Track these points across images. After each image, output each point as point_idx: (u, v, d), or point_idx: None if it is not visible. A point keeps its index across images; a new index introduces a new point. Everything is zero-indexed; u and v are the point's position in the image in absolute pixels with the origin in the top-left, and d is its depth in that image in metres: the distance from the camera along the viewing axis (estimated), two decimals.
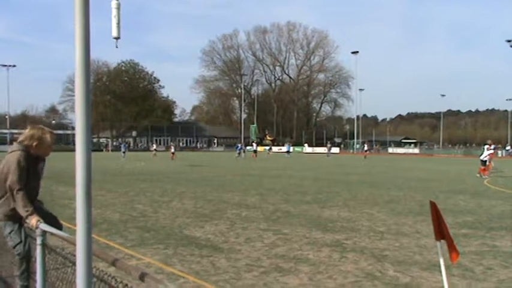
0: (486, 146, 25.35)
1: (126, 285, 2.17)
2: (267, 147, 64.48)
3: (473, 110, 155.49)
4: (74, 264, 1.78)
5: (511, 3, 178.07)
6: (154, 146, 58.09)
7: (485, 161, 22.27)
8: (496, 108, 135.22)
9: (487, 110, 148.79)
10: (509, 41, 76.74)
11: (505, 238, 7.50)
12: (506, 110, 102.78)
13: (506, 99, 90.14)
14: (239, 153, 50.24)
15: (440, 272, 4.00)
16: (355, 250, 6.60)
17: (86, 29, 1.63)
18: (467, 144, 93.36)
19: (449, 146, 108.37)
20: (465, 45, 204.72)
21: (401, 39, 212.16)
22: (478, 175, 21.98)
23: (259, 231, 7.92)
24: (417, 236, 7.50)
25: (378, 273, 5.42)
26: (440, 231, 3.04)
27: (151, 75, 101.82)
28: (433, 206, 3.07)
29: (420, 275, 5.36)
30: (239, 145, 53.96)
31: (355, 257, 6.21)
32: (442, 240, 3.15)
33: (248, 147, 59.15)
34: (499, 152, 69.06)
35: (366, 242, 7.17)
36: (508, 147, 72.11)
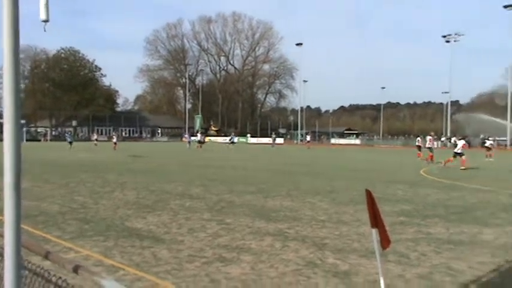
0: (429, 137, 27.14)
1: (60, 277, 2.10)
2: (228, 138, 62.97)
3: (411, 103, 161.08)
4: (2, 257, 1.71)
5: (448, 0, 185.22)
6: (96, 136, 56.51)
7: (461, 153, 22.68)
8: (433, 101, 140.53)
9: (424, 102, 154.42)
10: (444, 36, 79.95)
11: (438, 225, 7.84)
12: (441, 103, 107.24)
13: (442, 92, 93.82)
14: (190, 143, 50.41)
15: (371, 258, 4.16)
16: (297, 239, 6.70)
17: (14, 14, 1.55)
18: (406, 135, 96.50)
19: (389, 137, 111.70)
20: (404, 40, 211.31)
21: (345, 33, 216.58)
22: (439, 164, 23.26)
23: (203, 222, 7.90)
24: (356, 224, 7.71)
25: (318, 261, 5.54)
26: (375, 219, 3.13)
27: (92, 63, 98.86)
28: (369, 194, 3.14)
29: (358, 262, 5.51)
30: (186, 135, 53.90)
31: (297, 245, 6.31)
32: (377, 228, 3.24)
33: (193, 138, 58.68)
34: (435, 143, 72.04)
35: (308, 230, 7.30)
36: (443, 138, 75.21)
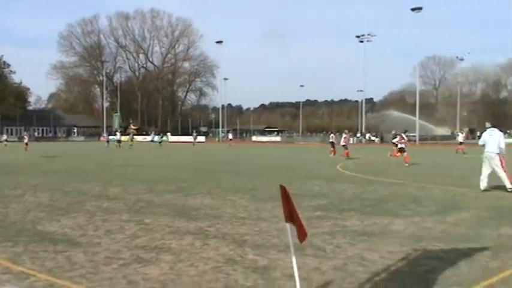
0: (344, 136, 28.31)
1: None
2: (152, 138, 61.67)
3: (329, 100, 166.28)
4: None
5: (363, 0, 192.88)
6: (5, 137, 53.35)
7: (402, 147, 23.40)
8: (349, 99, 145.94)
9: (340, 100, 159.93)
10: (358, 36, 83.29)
11: (353, 218, 8.16)
12: (357, 101, 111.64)
13: (357, 91, 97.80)
14: (108, 142, 49.22)
15: (294, 252, 4.29)
16: (217, 236, 6.72)
17: None
18: (324, 132, 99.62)
19: (308, 134, 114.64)
20: (322, 39, 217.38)
21: (265, 31, 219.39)
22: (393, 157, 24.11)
23: (121, 223, 7.71)
24: (276, 220, 7.85)
25: (238, 258, 5.58)
26: (290, 214, 3.21)
27: None
28: (283, 190, 3.23)
29: (277, 257, 5.62)
30: (105, 134, 52.59)
31: (217, 243, 6.33)
32: (291, 223, 3.33)
33: (111, 137, 57.00)
34: (351, 139, 74.87)
35: (228, 228, 7.34)
36: (358, 135, 78.27)
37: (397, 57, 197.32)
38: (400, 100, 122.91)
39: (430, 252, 5.86)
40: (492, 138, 12.07)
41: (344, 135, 29.16)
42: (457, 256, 5.68)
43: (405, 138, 24.26)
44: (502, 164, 11.87)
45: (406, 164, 21.41)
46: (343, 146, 27.86)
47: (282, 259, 5.47)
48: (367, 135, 78.52)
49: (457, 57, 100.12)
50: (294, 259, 3.36)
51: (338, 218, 8.20)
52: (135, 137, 66.88)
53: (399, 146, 23.16)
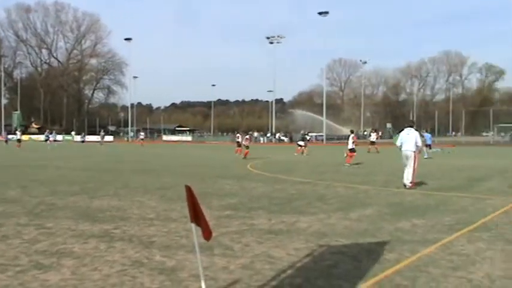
0: (246, 136, 28.61)
1: None
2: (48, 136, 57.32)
3: (240, 100, 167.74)
4: None
5: (273, 2, 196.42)
6: None
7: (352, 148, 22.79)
8: (260, 99, 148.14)
9: (252, 100, 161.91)
10: (268, 38, 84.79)
11: (261, 217, 8.28)
12: (267, 101, 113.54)
13: (267, 91, 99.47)
14: (7, 142, 46.42)
15: (203, 252, 4.27)
16: (124, 239, 6.53)
17: None
18: (235, 132, 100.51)
19: (220, 133, 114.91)
20: (234, 39, 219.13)
21: (175, 29, 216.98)
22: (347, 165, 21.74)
23: (19, 227, 7.25)
24: (185, 221, 7.77)
25: (145, 260, 5.47)
26: (195, 214, 3.20)
27: None
28: (188, 189, 3.20)
29: (185, 257, 5.57)
30: (3, 133, 49.58)
31: (123, 245, 6.15)
32: (197, 223, 3.31)
33: (10, 136, 53.56)
34: (261, 138, 76.11)
35: (135, 229, 7.16)
36: (268, 134, 79.64)
37: (306, 59, 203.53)
38: (308, 101, 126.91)
39: (334, 248, 6.09)
40: (409, 137, 12.89)
41: (246, 136, 29.60)
42: (358, 250, 5.95)
43: (308, 138, 25.06)
44: (415, 162, 12.71)
45: (347, 165, 21.12)
46: (245, 145, 27.87)
47: (190, 260, 5.42)
48: (277, 135, 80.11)
49: (360, 60, 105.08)
50: (199, 259, 3.35)
51: (247, 216, 8.29)
52: (31, 136, 63.30)
53: (350, 147, 22.63)
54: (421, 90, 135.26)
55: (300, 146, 32.49)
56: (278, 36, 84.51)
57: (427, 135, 30.59)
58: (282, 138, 78.35)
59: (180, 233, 6.88)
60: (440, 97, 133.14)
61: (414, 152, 12.76)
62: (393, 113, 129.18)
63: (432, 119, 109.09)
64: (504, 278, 4.81)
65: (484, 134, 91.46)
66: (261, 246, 6.13)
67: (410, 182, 12.61)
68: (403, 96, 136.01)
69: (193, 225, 3.23)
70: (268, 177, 15.78)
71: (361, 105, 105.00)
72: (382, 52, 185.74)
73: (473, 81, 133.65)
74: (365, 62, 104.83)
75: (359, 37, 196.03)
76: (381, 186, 13.07)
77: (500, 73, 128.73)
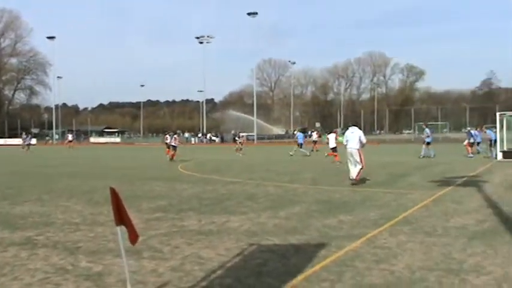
0: (174, 136, 27.38)
1: None
2: None
3: (170, 100, 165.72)
4: None
5: (202, 1, 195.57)
6: None
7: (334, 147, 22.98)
8: (190, 99, 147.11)
9: (182, 100, 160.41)
10: (198, 37, 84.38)
11: (192, 218, 8.23)
12: (198, 101, 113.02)
13: (198, 91, 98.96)
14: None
15: (131, 256, 4.18)
16: (47, 245, 6.28)
17: None
18: (165, 133, 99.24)
19: (150, 134, 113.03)
20: (163, 40, 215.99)
21: (101, 27, 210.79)
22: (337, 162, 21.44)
23: None
24: (112, 224, 7.48)
25: (70, 266, 5.28)
26: (120, 217, 3.13)
27: None
28: (113, 192, 3.14)
29: (113, 261, 5.43)
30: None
31: (47, 252, 5.91)
32: (122, 226, 3.25)
33: None
34: (193, 139, 75.62)
35: (60, 235, 6.89)
36: (199, 135, 79.22)
37: (237, 59, 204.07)
38: (239, 101, 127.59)
39: (264, 246, 6.16)
40: (353, 136, 13.44)
41: (175, 136, 28.41)
42: (287, 248, 6.06)
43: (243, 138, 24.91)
44: (361, 158, 13.25)
45: (338, 163, 20.79)
46: (172, 146, 26.35)
47: (118, 264, 5.30)
48: (208, 135, 79.89)
49: (289, 61, 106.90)
50: (125, 263, 3.28)
51: (176, 218, 8.21)
52: None
53: (332, 146, 22.86)
54: (348, 90, 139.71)
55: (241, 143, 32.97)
56: (208, 36, 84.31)
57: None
58: (213, 138, 78.20)
59: (107, 237, 6.70)
60: (366, 96, 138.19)
61: (358, 149, 13.30)
62: (322, 113, 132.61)
63: (358, 118, 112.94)
64: (423, 268, 5.06)
65: (406, 132, 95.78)
66: (190, 248, 6.09)
67: (356, 176, 13.15)
68: (331, 95, 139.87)
69: (118, 228, 3.16)
70: (199, 178, 15.71)
71: (290, 105, 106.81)
72: (310, 53, 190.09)
73: (396, 81, 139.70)
74: (294, 63, 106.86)
75: (288, 38, 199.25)
76: (310, 185, 13.36)
77: (420, 73, 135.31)
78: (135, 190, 12.44)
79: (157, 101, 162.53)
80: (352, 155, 13.31)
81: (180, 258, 5.60)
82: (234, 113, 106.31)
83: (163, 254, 5.81)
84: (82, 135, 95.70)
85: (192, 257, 5.65)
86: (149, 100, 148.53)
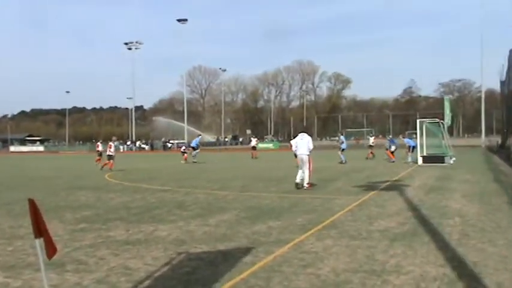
0: (110, 143, 26.31)
1: None
2: None
3: (98, 107, 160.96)
4: None
5: (132, 8, 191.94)
6: None
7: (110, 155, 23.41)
8: (119, 106, 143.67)
9: (110, 107, 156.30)
10: (126, 43, 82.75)
11: (119, 228, 8.04)
12: (127, 108, 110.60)
13: (127, 98, 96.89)
14: None
15: (53, 269, 4.01)
16: None
17: None
18: (93, 141, 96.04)
19: (76, 142, 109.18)
20: (89, 44, 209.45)
21: (22, 30, 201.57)
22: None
23: None
24: (32, 237, 7.23)
25: None
26: (39, 229, 3.01)
27: None
28: (31, 204, 3.01)
29: (33, 276, 5.19)
30: None
31: None
32: (41, 238, 3.12)
33: None
34: (121, 147, 73.85)
35: None
36: (128, 142, 77.52)
37: (167, 66, 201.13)
38: (169, 108, 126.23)
39: (192, 254, 6.11)
40: (303, 142, 13.85)
41: (110, 143, 26.78)
42: (216, 255, 6.05)
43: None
44: (309, 165, 13.70)
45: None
46: (108, 155, 24.16)
47: (38, 279, 5.06)
48: (138, 143, 78.35)
49: (220, 68, 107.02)
50: (44, 277, 3.15)
51: (103, 228, 7.98)
52: None
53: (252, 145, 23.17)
54: (278, 97, 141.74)
55: (185, 153, 32.25)
56: (137, 42, 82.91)
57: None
58: (143, 146, 76.77)
59: (27, 251, 6.39)
60: (295, 104, 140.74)
61: (308, 155, 13.73)
62: (252, 120, 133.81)
63: (288, 125, 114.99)
64: (347, 271, 5.23)
65: (333, 138, 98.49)
66: (117, 259, 5.94)
67: (307, 183, 13.52)
68: (261, 103, 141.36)
69: (37, 241, 3.04)
70: (127, 187, 15.35)
71: (221, 112, 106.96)
72: (240, 60, 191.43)
73: (324, 89, 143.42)
74: (224, 70, 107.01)
75: (219, 45, 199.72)
76: (240, 191, 13.41)
77: (347, 82, 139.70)
78: (59, 200, 11.97)
79: (84, 108, 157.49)
80: (302, 161, 13.67)
81: (106, 269, 5.45)
82: (164, 119, 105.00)
83: (87, 266, 5.62)
84: (1, 143, 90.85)
85: (119, 268, 5.51)
86: (75, 107, 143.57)
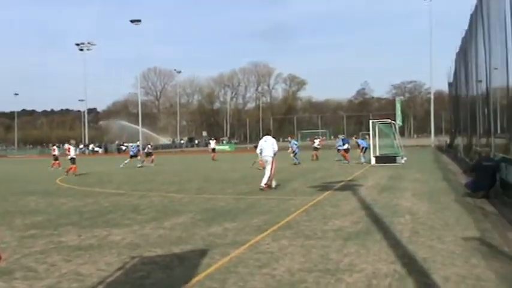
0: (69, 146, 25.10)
1: None
2: None
3: (48, 110, 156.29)
4: None
5: (84, 8, 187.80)
6: None
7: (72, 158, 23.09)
8: (71, 108, 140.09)
9: (62, 110, 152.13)
10: (78, 44, 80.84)
11: (71, 233, 7.84)
12: (79, 110, 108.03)
13: (79, 100, 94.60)
14: None
15: (0, 277, 3.90)
16: None
17: None
18: (44, 144, 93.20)
19: (26, 146, 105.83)
20: (38, 45, 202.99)
21: None
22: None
23: None
24: None
25: None
26: None
27: None
28: None
29: None
30: None
31: None
32: None
33: None
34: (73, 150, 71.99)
35: None
36: (81, 146, 75.66)
37: (120, 68, 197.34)
38: (124, 110, 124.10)
39: (147, 258, 6.04)
40: (267, 144, 14.13)
41: (70, 147, 25.42)
42: (171, 259, 5.99)
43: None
44: (272, 166, 13.89)
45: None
46: (70, 159, 23.23)
47: None
48: (91, 146, 76.65)
49: (175, 69, 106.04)
50: None
51: (54, 234, 7.76)
52: None
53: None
54: (234, 99, 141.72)
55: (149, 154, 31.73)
56: (89, 43, 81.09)
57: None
58: (96, 149, 75.17)
59: None
60: (251, 105, 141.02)
61: (272, 157, 13.94)
62: (208, 122, 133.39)
63: (244, 126, 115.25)
64: (302, 270, 5.29)
65: (288, 140, 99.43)
66: (69, 265, 5.79)
67: (265, 184, 13.68)
68: (217, 105, 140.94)
69: None
70: (79, 191, 14.99)
71: (177, 114, 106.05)
72: (196, 62, 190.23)
73: (279, 91, 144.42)
74: (180, 71, 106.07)
75: (173, 46, 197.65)
76: (196, 194, 13.34)
77: (302, 83, 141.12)
78: (8, 206, 11.59)
79: (34, 110, 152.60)
80: (267, 163, 13.95)
81: (57, 276, 5.30)
82: (119, 122, 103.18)
83: (38, 273, 5.46)
84: None
85: (70, 274, 5.38)
86: (24, 110, 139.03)
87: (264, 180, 13.73)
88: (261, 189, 13.53)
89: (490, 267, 5.24)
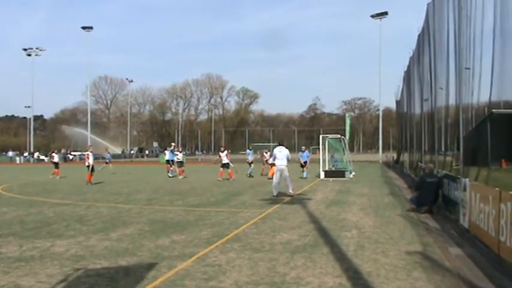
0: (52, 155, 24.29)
1: None
2: None
3: None
4: None
5: (30, 12, 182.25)
6: None
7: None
8: (16, 115, 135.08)
9: (6, 116, 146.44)
10: (25, 49, 78.37)
11: (11, 243, 7.56)
12: (25, 117, 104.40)
13: (25, 107, 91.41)
14: None
15: None
16: None
17: None
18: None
19: None
20: None
21: None
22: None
23: None
24: None
25: None
26: None
27: None
28: None
29: None
30: None
31: None
32: None
33: None
34: (18, 158, 69.52)
35: None
36: (26, 154, 73.12)
37: (70, 75, 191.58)
38: (72, 118, 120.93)
39: (91, 271, 5.89)
40: (281, 155, 15.30)
41: (53, 155, 25.13)
42: (116, 271, 5.88)
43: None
44: (287, 173, 15.16)
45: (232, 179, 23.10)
46: (55, 163, 23.56)
47: None
48: (36, 154, 74.09)
49: (126, 79, 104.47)
50: None
51: None
52: None
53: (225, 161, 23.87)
54: (186, 110, 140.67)
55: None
56: (37, 48, 78.66)
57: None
58: (42, 157, 72.72)
59: None
60: (203, 117, 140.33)
61: (286, 166, 15.16)
62: (159, 132, 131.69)
63: (196, 138, 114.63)
64: (249, 283, 5.31)
65: (242, 152, 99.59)
66: (7, 277, 5.58)
67: (292, 190, 15.18)
68: (169, 115, 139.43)
69: None
70: (22, 200, 14.47)
71: (127, 124, 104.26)
72: (148, 72, 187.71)
73: (232, 104, 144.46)
74: (131, 81, 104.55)
75: (125, 55, 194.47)
76: (144, 205, 13.15)
77: (254, 97, 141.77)
78: None
79: None
80: (282, 171, 15.00)
81: None
82: (70, 128, 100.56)
83: None
84: None
85: (9, 286, 5.19)
86: None
87: (290, 189, 15.00)
88: (291, 195, 14.77)
89: (431, 281, 5.43)
